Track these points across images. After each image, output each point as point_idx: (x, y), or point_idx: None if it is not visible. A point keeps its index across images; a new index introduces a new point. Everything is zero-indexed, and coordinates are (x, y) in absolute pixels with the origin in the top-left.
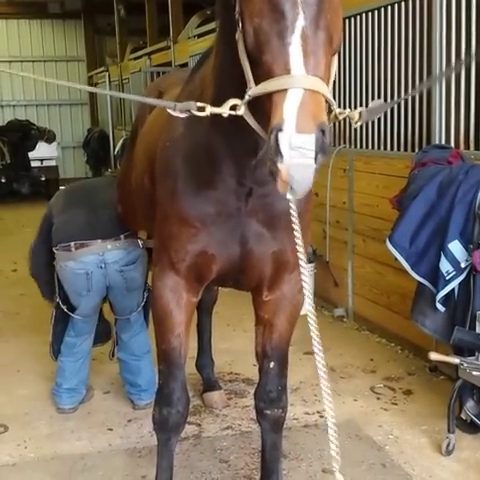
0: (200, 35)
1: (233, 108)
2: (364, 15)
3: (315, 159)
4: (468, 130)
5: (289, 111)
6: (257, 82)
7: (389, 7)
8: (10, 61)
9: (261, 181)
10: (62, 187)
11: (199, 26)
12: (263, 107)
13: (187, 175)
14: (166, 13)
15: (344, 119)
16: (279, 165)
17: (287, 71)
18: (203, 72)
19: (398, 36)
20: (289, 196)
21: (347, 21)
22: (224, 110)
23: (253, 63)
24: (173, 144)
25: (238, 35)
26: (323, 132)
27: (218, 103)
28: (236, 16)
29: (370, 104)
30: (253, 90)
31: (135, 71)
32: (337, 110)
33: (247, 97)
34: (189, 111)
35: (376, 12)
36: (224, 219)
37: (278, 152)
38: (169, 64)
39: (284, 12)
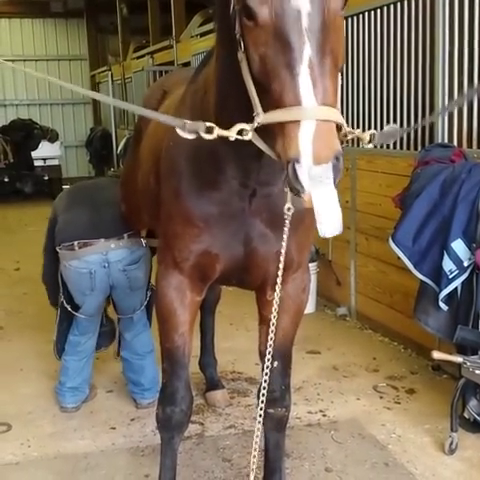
0: (202, 34)
1: (240, 132)
2: (366, 14)
3: (334, 184)
4: (471, 129)
5: (305, 143)
6: (265, 107)
7: (391, 6)
8: (13, 60)
9: (265, 182)
10: (65, 186)
11: (201, 25)
12: (272, 131)
13: (191, 175)
14: (168, 12)
15: (346, 118)
16: (302, 195)
17: (298, 102)
18: (206, 72)
19: (400, 35)
20: (321, 233)
21: (350, 20)
22: (232, 134)
23: (259, 87)
24: (177, 144)
25: (241, 56)
26: (337, 159)
27: (222, 106)
28: (237, 36)
29: (385, 128)
30: (263, 118)
31: (138, 70)
32: (347, 130)
33: (256, 124)
34: (197, 133)
35: (378, 10)
36: (228, 219)
37: (298, 183)
38: (172, 63)
39: (290, 42)
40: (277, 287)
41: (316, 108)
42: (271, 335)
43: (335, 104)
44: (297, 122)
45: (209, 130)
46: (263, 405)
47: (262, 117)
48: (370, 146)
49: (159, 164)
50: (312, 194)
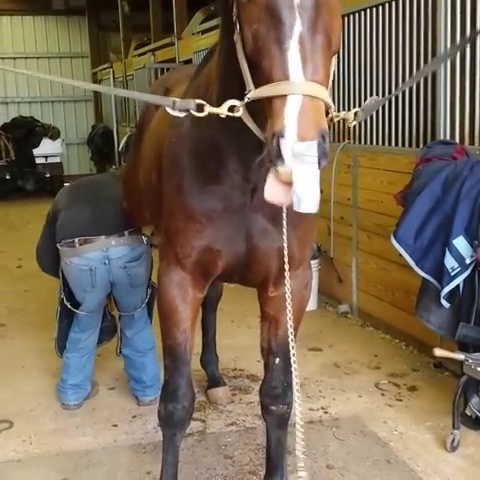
0: (204, 31)
1: (231, 109)
2: (368, 11)
3: (318, 165)
4: (473, 125)
5: (290, 118)
6: (256, 85)
7: (393, 3)
8: (14, 58)
9: (266, 176)
10: (66, 184)
11: (203, 22)
12: (262, 109)
13: (193, 171)
14: (170, 9)
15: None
16: (280, 168)
17: (286, 77)
18: (208, 68)
19: (402, 32)
20: (296, 208)
21: (351, 17)
22: (222, 110)
23: (252, 66)
24: (179, 140)
25: (236, 37)
26: (323, 138)
27: (223, 99)
28: (234, 18)
29: (365, 102)
30: (252, 94)
31: (139, 67)
32: (334, 114)
33: (246, 99)
34: (188, 110)
35: (380, 8)
36: (230, 214)
37: (280, 157)
38: (173, 60)
39: (281, 18)
40: (287, 282)
41: (303, 83)
42: (290, 329)
43: (325, 82)
44: (284, 97)
45: (199, 108)
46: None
47: (252, 93)
48: (354, 123)
49: (161, 161)
50: (293, 171)
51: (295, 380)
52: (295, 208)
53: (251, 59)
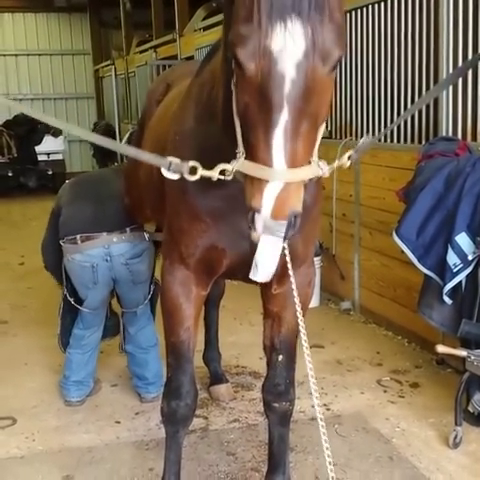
0: (206, 28)
1: (223, 172)
2: (370, 7)
3: (284, 239)
4: (475, 122)
5: (267, 200)
6: (245, 146)
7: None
8: (16, 55)
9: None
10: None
11: (205, 19)
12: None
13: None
14: (172, 6)
15: (349, 111)
16: (253, 234)
17: (270, 164)
18: (213, 66)
19: (405, 28)
20: (252, 275)
21: (353, 13)
22: (214, 174)
23: (242, 126)
24: (183, 138)
25: (233, 87)
26: (295, 217)
27: (229, 102)
28: (232, 65)
29: (358, 143)
30: (239, 166)
31: (141, 64)
32: (323, 170)
33: (235, 168)
34: (181, 173)
35: (382, 4)
36: (235, 213)
37: (254, 226)
38: (175, 57)
39: (270, 105)
40: (292, 278)
41: (285, 171)
42: (302, 324)
43: (307, 161)
44: (265, 181)
45: (192, 171)
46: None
47: (240, 163)
48: (348, 163)
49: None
50: (261, 238)
51: (310, 373)
52: (250, 275)
53: (241, 122)
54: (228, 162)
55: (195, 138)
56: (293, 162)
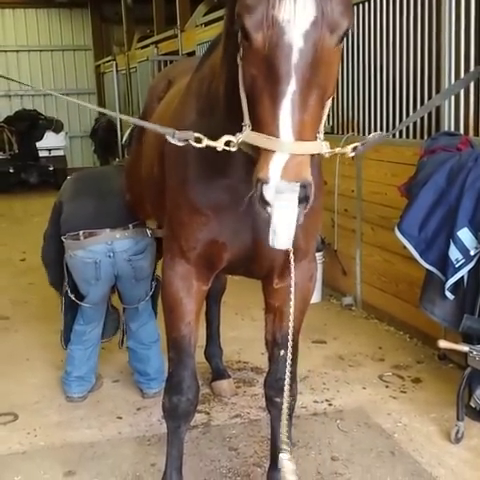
0: (207, 23)
1: (228, 143)
2: (373, 2)
3: (299, 201)
4: (478, 117)
5: (275, 169)
6: (252, 119)
7: None
8: (17, 50)
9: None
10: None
11: (206, 14)
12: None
13: (198, 163)
14: (173, 1)
15: (351, 106)
16: (264, 212)
17: (277, 134)
18: (212, 60)
19: (407, 24)
20: (271, 242)
21: (356, 8)
22: (219, 144)
23: (249, 100)
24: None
25: (239, 61)
26: (305, 186)
27: (230, 96)
28: (238, 40)
29: (368, 137)
30: (244, 137)
31: (142, 60)
32: (327, 151)
33: (240, 139)
34: (187, 141)
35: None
36: (235, 207)
37: (263, 200)
38: (176, 53)
39: (278, 75)
40: (292, 274)
41: (292, 143)
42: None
43: (313, 136)
44: (272, 151)
45: (198, 140)
46: None
47: (245, 134)
48: (351, 154)
49: (164, 152)
50: (274, 206)
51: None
52: (270, 244)
53: (248, 95)
54: (230, 153)
55: (196, 131)
56: (300, 134)
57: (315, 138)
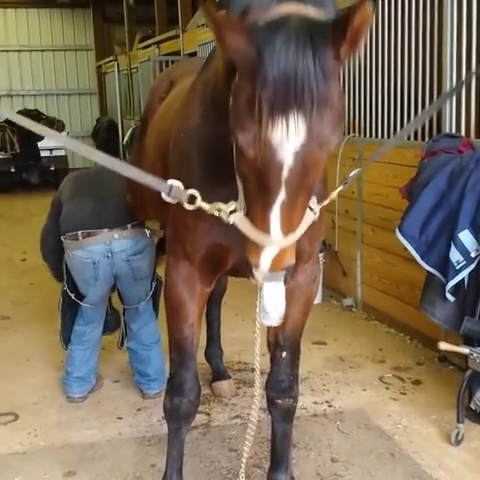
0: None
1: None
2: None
3: (284, 282)
4: (479, 119)
5: (264, 260)
6: (245, 202)
7: None
8: (19, 50)
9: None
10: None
11: None
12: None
13: (203, 167)
14: (175, 2)
15: (353, 107)
16: (253, 281)
17: (266, 230)
18: (216, 63)
19: (408, 25)
20: (262, 320)
21: None
22: (212, 210)
23: (243, 185)
24: (189, 135)
25: (235, 150)
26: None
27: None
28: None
29: (351, 175)
30: (238, 222)
31: (144, 60)
32: (315, 210)
33: (231, 221)
34: (179, 200)
35: (385, 1)
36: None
37: (254, 276)
38: (178, 53)
39: (268, 187)
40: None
41: (279, 240)
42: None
43: (299, 225)
44: (260, 246)
45: (191, 200)
46: None
47: (240, 220)
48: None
49: (166, 154)
50: (264, 286)
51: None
52: (259, 321)
53: (242, 182)
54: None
55: (200, 135)
56: (288, 231)
57: (301, 221)
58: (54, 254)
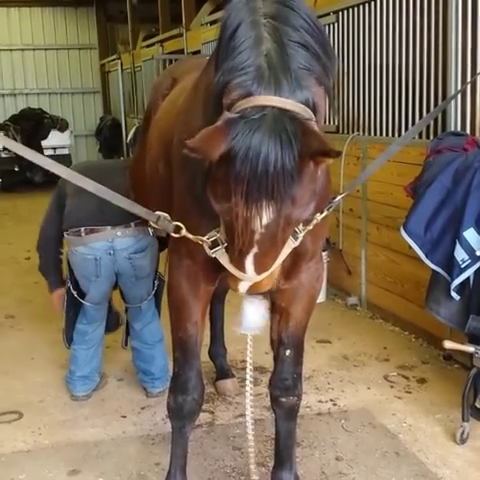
0: (212, 22)
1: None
2: (378, 1)
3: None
4: None
5: (242, 289)
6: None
7: None
8: (23, 49)
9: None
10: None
11: (211, 13)
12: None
13: (207, 168)
14: (178, 0)
15: (357, 105)
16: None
17: (242, 271)
18: None
19: (413, 23)
20: (240, 329)
21: (362, 7)
22: (197, 239)
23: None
24: (192, 134)
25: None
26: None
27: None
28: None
29: (335, 200)
30: (219, 257)
31: (147, 59)
32: (298, 239)
33: (215, 251)
34: (166, 230)
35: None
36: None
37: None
38: (181, 51)
39: (243, 246)
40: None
41: (253, 277)
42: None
43: (272, 265)
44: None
45: (177, 230)
46: None
47: (220, 253)
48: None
49: (169, 152)
50: (243, 302)
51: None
52: (239, 329)
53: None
54: None
55: None
56: (261, 271)
57: (276, 260)
58: (49, 245)
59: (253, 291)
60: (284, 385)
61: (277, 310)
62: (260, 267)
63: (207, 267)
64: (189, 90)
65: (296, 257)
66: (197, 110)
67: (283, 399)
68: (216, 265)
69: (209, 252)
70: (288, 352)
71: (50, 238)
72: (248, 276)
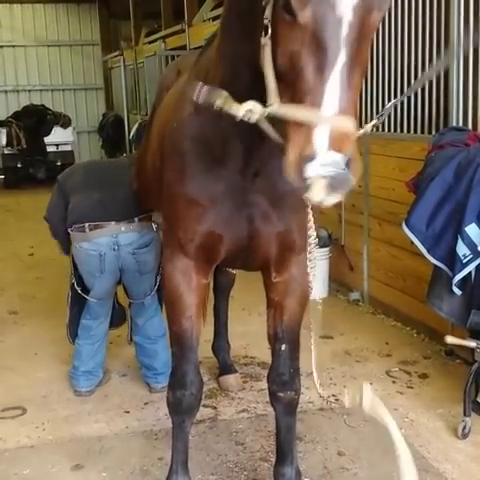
0: (215, 18)
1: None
2: None
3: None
4: None
5: (321, 145)
6: (281, 96)
7: None
8: (25, 46)
9: (267, 160)
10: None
11: (214, 9)
12: (283, 122)
13: (194, 155)
14: None
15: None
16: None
17: (318, 106)
18: (209, 53)
19: (415, 17)
20: (331, 199)
21: None
22: (239, 114)
23: (279, 77)
24: (181, 124)
25: (265, 41)
26: (348, 164)
27: (229, 82)
28: (265, 21)
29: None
30: (278, 110)
31: (150, 55)
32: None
33: (266, 113)
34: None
35: None
36: (231, 198)
37: (303, 178)
38: (184, 47)
39: (326, 48)
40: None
41: (335, 117)
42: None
43: (354, 115)
44: (313, 125)
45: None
46: None
47: (277, 108)
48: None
49: (164, 144)
50: (315, 181)
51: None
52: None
53: (281, 72)
54: (225, 145)
55: (192, 124)
56: (344, 108)
57: (355, 107)
58: (62, 224)
59: (336, 145)
60: (281, 380)
61: (271, 304)
62: (344, 98)
63: (199, 259)
64: (183, 82)
65: (284, 248)
66: (187, 100)
67: (281, 394)
68: (207, 256)
69: (261, 114)
70: (284, 347)
71: (61, 220)
72: (329, 113)
